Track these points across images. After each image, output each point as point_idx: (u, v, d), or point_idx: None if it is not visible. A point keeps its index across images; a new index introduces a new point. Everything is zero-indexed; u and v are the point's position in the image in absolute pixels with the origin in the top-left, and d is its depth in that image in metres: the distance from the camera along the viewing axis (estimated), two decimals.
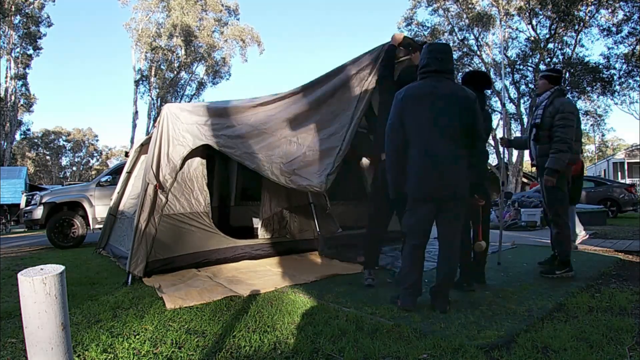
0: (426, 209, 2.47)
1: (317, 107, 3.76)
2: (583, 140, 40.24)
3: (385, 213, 3.33)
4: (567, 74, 20.36)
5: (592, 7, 19.17)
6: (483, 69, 23.06)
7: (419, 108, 2.47)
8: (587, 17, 19.51)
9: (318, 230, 4.83)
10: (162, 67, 27.06)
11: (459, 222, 2.52)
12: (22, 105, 27.40)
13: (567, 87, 20.30)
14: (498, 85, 21.67)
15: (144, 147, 5.23)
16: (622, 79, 19.58)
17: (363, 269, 3.31)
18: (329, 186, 3.28)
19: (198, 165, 4.10)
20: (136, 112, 26.34)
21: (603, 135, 29.17)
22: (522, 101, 22.53)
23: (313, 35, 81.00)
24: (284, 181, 3.51)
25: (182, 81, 28.30)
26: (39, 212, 6.79)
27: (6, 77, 23.88)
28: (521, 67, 21.85)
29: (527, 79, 22.25)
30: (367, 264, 3.27)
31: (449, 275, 2.50)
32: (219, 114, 3.97)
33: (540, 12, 20.42)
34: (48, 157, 46.39)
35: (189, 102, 26.49)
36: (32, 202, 7.09)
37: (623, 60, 19.07)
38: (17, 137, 28.78)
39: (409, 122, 2.48)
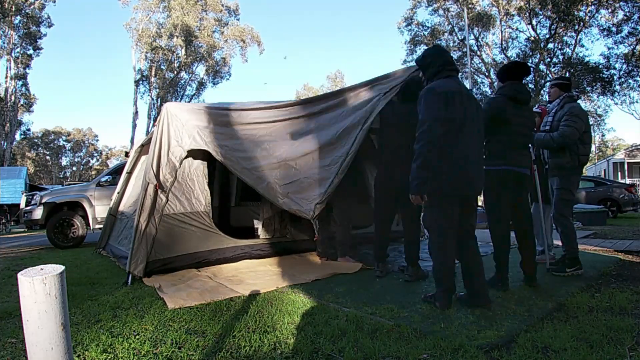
0: (454, 207, 2.50)
1: (318, 136, 4.00)
2: None
3: (390, 211, 3.59)
4: (567, 74, 20.36)
5: (592, 7, 19.17)
6: (483, 69, 23.06)
7: (458, 105, 2.46)
8: (587, 17, 19.50)
9: (317, 231, 4.82)
10: (162, 67, 27.06)
11: (476, 215, 2.69)
12: (22, 105, 27.41)
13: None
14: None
15: (144, 148, 5.23)
16: (622, 79, 19.58)
17: (375, 263, 3.60)
18: (316, 214, 3.60)
19: (199, 165, 4.09)
20: (136, 112, 26.38)
21: (603, 135, 29.20)
22: None
23: (313, 35, 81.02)
24: (277, 202, 3.83)
25: (182, 81, 28.33)
26: (38, 212, 6.79)
27: (6, 77, 23.90)
28: None
29: (527, 79, 22.26)
30: (377, 258, 3.57)
31: (480, 269, 2.55)
32: (221, 122, 3.99)
33: (540, 12, 20.43)
34: (48, 157, 46.41)
35: (189, 102, 26.50)
36: (32, 202, 7.09)
37: (623, 60, 19.06)
38: (17, 137, 28.83)
39: (451, 119, 2.44)
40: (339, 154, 3.71)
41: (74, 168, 48.87)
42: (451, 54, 2.77)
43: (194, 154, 3.98)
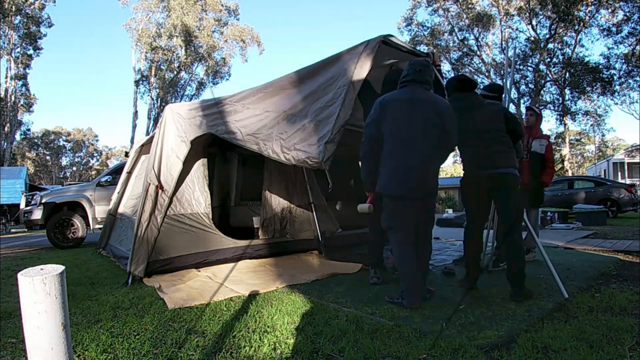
0: (401, 205, 2.63)
1: (314, 75, 3.70)
2: (583, 140, 40.23)
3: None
4: (567, 74, 20.36)
5: (592, 7, 19.17)
6: (483, 69, 23.05)
7: (398, 111, 2.67)
8: (587, 17, 19.51)
9: (319, 230, 4.83)
10: (162, 67, 27.08)
11: (432, 218, 2.78)
12: (22, 105, 27.41)
13: (567, 87, 20.27)
14: None
15: (144, 148, 5.24)
16: (622, 79, 19.59)
17: (369, 268, 3.39)
18: (328, 156, 3.07)
19: (199, 165, 4.10)
20: (136, 112, 26.40)
21: (603, 135, 29.23)
22: (522, 101, 22.50)
23: (313, 35, 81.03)
24: (284, 158, 3.40)
25: (182, 81, 28.34)
26: (38, 212, 6.79)
27: (6, 77, 23.90)
28: (521, 67, 21.84)
29: (527, 79, 22.27)
30: (372, 263, 3.37)
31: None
32: (221, 106, 3.92)
33: (540, 12, 20.43)
34: (48, 157, 46.39)
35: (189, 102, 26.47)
36: (32, 202, 7.08)
37: (623, 60, 19.07)
38: (17, 137, 28.84)
39: (387, 124, 2.68)
40: (339, 85, 3.35)
41: (74, 168, 48.86)
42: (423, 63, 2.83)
43: (194, 155, 3.98)
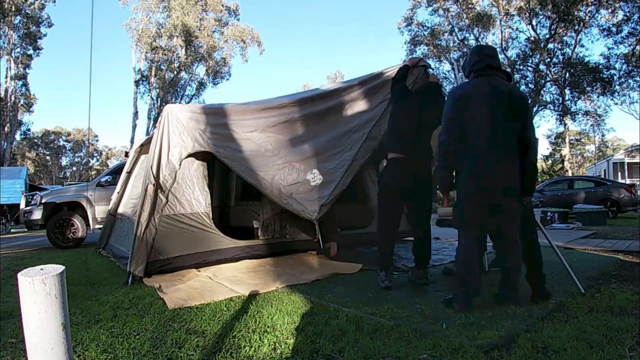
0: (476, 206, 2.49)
1: (317, 140, 4.05)
2: (583, 140, 40.00)
3: (395, 212, 3.20)
4: (567, 74, 20.36)
5: (592, 7, 19.18)
6: None
7: (479, 106, 2.42)
8: (587, 17, 19.52)
9: (319, 230, 4.82)
10: (162, 67, 27.06)
11: (511, 217, 2.51)
12: (22, 105, 27.42)
13: (567, 87, 20.25)
14: None
15: (144, 148, 5.23)
16: (622, 79, 19.60)
17: (379, 271, 3.15)
18: (320, 215, 3.67)
19: (199, 166, 4.09)
20: (136, 113, 26.40)
21: (603, 135, 29.23)
22: None
23: (313, 35, 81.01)
24: (280, 202, 3.91)
25: (182, 81, 28.33)
26: (38, 213, 6.78)
27: (6, 77, 23.90)
28: (521, 67, 21.85)
29: (527, 79, 22.28)
30: (382, 267, 3.13)
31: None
32: (222, 124, 3.99)
33: (540, 12, 20.43)
34: (48, 157, 46.40)
35: (189, 102, 26.51)
36: (32, 202, 7.08)
37: (623, 60, 19.08)
38: (17, 137, 28.83)
39: (467, 120, 2.44)
40: (342, 158, 3.77)
41: (74, 168, 48.86)
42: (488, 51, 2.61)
43: (194, 154, 3.98)
